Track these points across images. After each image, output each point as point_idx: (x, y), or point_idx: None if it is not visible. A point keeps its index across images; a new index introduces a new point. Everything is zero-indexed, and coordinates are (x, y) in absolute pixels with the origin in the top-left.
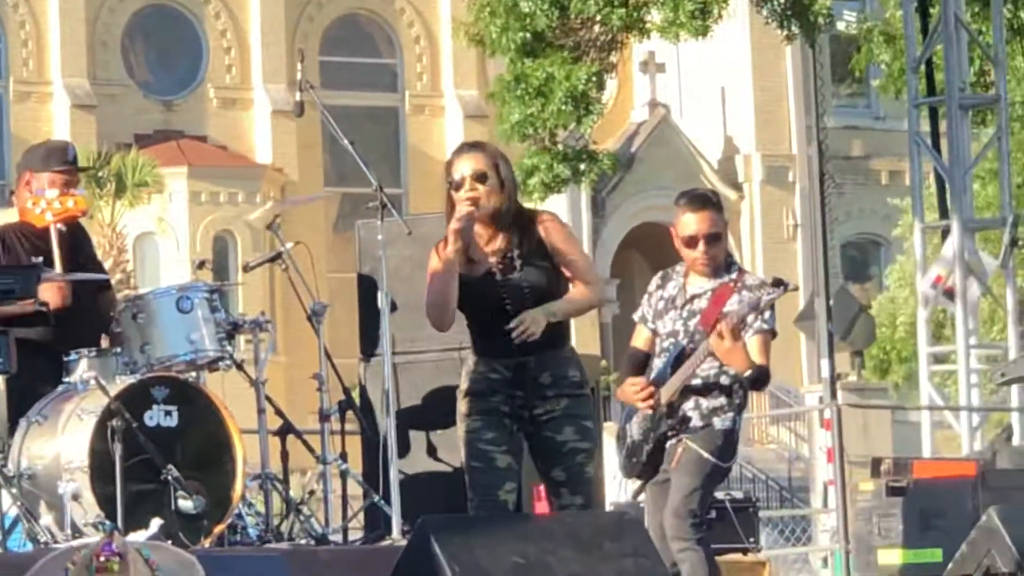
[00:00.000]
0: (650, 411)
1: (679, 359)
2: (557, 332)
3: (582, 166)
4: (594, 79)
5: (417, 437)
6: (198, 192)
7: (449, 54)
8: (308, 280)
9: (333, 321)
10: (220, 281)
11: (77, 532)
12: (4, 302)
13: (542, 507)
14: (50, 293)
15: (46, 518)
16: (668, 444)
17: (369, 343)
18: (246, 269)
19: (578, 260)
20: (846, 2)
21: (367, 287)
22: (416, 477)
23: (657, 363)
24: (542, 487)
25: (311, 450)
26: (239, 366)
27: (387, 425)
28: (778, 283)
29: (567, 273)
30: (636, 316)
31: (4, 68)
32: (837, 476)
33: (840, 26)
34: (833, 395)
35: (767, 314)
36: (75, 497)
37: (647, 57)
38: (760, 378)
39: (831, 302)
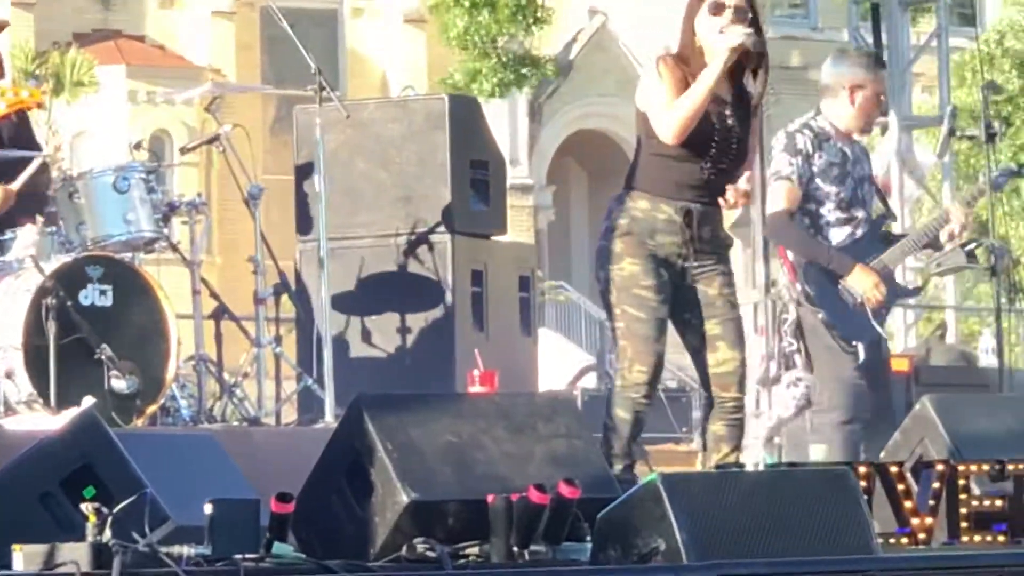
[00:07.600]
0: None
1: (881, 234)
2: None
3: (524, 71)
4: None
5: (352, 322)
6: (135, 91)
7: None
8: (246, 163)
9: (267, 221)
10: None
11: (10, 410)
12: None
13: (476, 389)
14: None
15: None
16: None
17: (305, 226)
18: (183, 151)
19: None
20: None
21: (304, 171)
22: (350, 362)
23: (838, 233)
24: (475, 373)
25: (245, 333)
26: (175, 247)
27: (322, 309)
28: None
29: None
30: (785, 173)
31: None
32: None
33: None
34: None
35: None
36: (8, 375)
37: None
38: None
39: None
